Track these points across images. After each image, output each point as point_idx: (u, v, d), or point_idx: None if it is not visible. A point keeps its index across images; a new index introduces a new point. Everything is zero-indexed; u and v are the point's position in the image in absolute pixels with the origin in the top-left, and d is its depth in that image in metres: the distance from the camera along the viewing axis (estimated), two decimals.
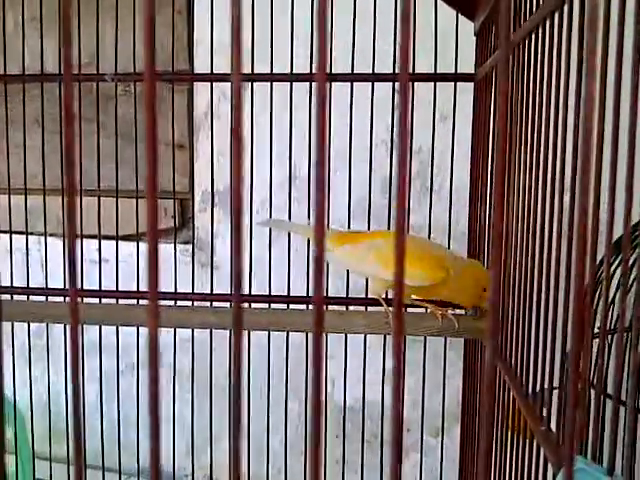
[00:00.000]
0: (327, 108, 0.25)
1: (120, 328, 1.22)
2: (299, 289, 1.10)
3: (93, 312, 0.99)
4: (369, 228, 1.14)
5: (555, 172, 0.59)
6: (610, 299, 0.74)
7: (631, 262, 0.79)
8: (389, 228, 1.11)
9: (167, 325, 0.99)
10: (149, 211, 0.26)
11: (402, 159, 0.25)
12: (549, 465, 0.59)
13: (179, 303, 1.10)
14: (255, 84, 1.11)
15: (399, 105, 0.25)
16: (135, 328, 1.22)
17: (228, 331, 1.15)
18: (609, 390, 0.75)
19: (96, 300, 1.14)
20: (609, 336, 0.76)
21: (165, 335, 1.21)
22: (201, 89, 1.41)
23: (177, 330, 1.22)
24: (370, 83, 1.07)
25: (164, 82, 1.30)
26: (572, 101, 0.52)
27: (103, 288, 1.18)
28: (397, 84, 1.06)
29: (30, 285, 1.20)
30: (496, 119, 0.28)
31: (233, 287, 0.27)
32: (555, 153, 0.58)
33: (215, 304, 1.09)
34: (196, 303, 1.10)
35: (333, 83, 1.03)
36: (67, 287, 0.27)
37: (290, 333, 1.15)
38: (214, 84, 1.17)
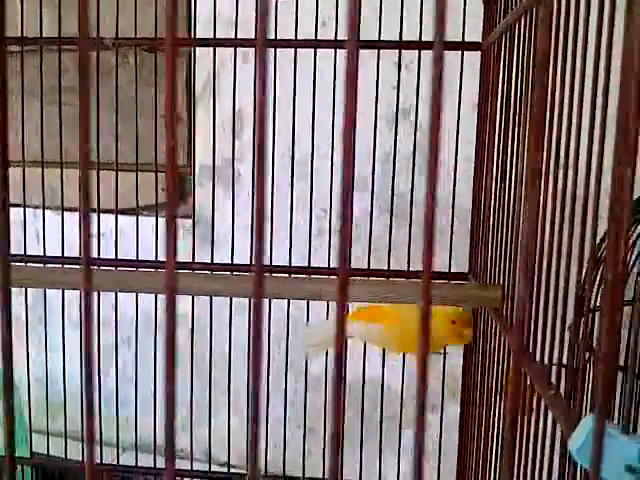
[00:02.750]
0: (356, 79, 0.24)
1: (118, 301, 1.21)
2: (300, 261, 1.10)
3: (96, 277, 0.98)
4: (372, 208, 1.13)
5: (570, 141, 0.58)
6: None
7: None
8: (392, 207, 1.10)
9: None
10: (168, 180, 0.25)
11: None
12: (557, 431, 0.59)
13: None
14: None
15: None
16: (133, 301, 1.21)
17: (228, 304, 1.15)
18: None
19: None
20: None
21: (161, 310, 1.20)
22: (200, 61, 1.39)
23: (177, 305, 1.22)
24: (376, 52, 1.06)
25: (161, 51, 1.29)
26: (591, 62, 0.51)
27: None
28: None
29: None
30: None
31: (254, 239, 0.27)
32: (570, 120, 0.57)
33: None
34: None
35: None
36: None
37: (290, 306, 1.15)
38: (215, 57, 1.16)
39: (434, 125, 0.25)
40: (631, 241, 0.77)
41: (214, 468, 1.30)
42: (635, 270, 0.73)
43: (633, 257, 0.80)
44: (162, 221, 1.25)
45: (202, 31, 1.17)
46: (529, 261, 0.26)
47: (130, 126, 1.20)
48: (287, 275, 1.10)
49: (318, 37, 1.08)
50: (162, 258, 1.16)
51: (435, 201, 0.24)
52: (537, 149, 0.25)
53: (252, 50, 1.13)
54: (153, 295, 1.16)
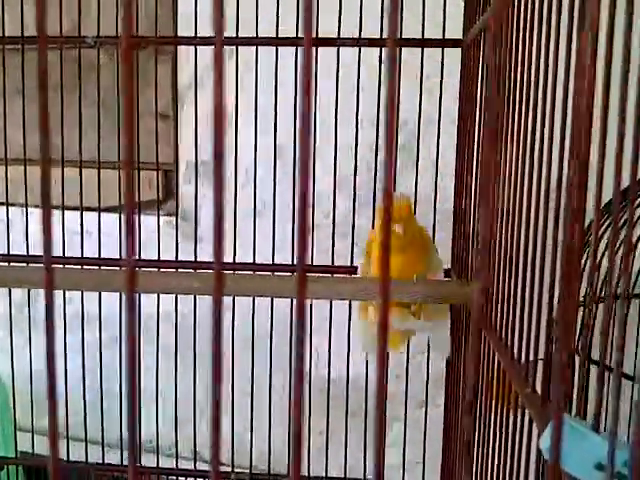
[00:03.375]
0: (312, 74, 0.24)
1: (102, 300, 1.21)
2: (284, 259, 1.10)
3: (71, 276, 0.98)
4: (354, 203, 1.13)
5: (543, 137, 0.58)
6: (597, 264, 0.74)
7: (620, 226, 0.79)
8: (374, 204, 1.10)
9: (149, 290, 0.98)
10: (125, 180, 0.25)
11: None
12: (534, 428, 0.59)
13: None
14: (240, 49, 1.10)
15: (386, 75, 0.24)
16: (117, 300, 1.21)
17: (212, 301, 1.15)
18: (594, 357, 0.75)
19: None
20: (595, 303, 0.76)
21: (149, 308, 1.20)
22: (185, 59, 1.39)
23: (160, 303, 1.22)
24: (357, 50, 1.06)
25: (147, 49, 1.28)
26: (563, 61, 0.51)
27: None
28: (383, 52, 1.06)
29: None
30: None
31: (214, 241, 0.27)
32: (544, 116, 0.58)
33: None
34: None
35: (319, 51, 1.02)
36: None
37: (274, 305, 1.15)
38: (198, 54, 1.16)
39: (390, 124, 0.25)
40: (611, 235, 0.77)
41: (200, 466, 1.30)
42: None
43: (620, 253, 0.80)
44: (146, 219, 1.25)
45: (187, 28, 1.17)
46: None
47: (114, 124, 1.19)
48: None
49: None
50: (144, 256, 1.16)
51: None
52: (491, 151, 0.25)
53: (233, 48, 1.13)
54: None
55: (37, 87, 0.26)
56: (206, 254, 1.17)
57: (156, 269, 1.10)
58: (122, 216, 1.13)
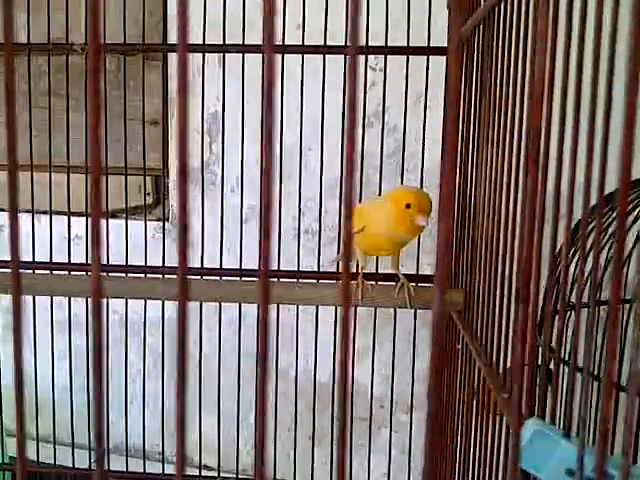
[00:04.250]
0: (277, 81, 0.25)
1: (89, 306, 1.21)
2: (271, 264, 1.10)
3: (55, 283, 0.99)
4: (340, 206, 1.13)
5: (521, 145, 0.59)
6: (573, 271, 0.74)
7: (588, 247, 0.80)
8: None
9: (136, 296, 0.98)
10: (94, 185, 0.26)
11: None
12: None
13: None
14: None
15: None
16: (104, 306, 1.21)
17: (198, 307, 1.15)
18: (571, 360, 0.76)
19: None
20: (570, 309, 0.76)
21: (137, 314, 1.21)
22: (175, 65, 1.40)
23: (147, 309, 1.22)
24: (342, 57, 1.07)
25: (135, 56, 1.29)
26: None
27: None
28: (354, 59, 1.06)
29: None
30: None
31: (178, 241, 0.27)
32: (521, 122, 0.58)
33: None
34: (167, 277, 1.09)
35: (306, 57, 1.03)
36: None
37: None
38: (189, 60, 1.16)
39: (349, 129, 0.25)
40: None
41: (190, 470, 1.30)
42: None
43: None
44: (137, 224, 1.25)
45: (176, 35, 1.17)
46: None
47: (109, 130, 1.19)
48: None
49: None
50: (131, 262, 1.16)
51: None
52: (451, 170, 0.25)
53: (228, 54, 1.13)
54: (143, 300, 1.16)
55: (4, 96, 0.26)
56: (197, 260, 1.17)
57: (142, 275, 1.10)
58: (110, 221, 1.14)
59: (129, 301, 1.20)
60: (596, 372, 0.85)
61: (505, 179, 0.63)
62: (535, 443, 0.46)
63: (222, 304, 1.16)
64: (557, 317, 0.64)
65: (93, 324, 0.28)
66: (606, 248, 0.73)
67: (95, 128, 0.26)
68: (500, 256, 0.64)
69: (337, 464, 0.28)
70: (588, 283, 0.47)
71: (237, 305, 1.15)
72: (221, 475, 1.23)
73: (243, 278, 1.08)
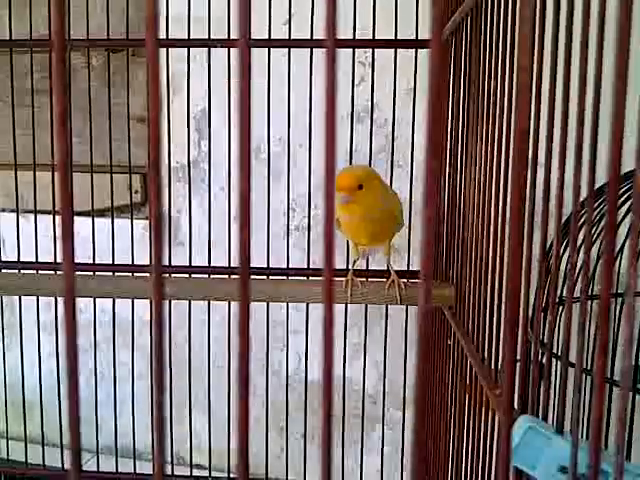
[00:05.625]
0: (248, 75, 0.24)
1: (80, 306, 1.20)
2: (260, 261, 1.10)
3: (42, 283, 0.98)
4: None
5: (510, 140, 0.58)
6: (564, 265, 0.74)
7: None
8: None
9: (123, 295, 0.97)
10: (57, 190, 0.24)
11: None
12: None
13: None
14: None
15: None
16: (92, 305, 1.20)
17: (187, 307, 1.14)
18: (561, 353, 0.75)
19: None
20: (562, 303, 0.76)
21: (125, 313, 1.20)
22: (163, 62, 1.38)
23: (135, 308, 1.20)
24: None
25: (121, 53, 1.27)
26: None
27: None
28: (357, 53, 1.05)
29: None
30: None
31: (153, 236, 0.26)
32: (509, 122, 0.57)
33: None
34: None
35: (292, 51, 1.02)
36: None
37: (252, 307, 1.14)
38: (175, 59, 1.14)
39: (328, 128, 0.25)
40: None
41: (180, 469, 1.29)
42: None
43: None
44: (126, 222, 1.24)
45: (164, 31, 1.16)
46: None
47: (96, 128, 1.18)
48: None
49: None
50: (118, 261, 1.15)
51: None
52: (435, 156, 0.24)
53: (215, 50, 1.12)
54: (130, 299, 1.15)
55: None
56: (186, 258, 1.15)
57: (130, 274, 1.09)
58: (95, 220, 1.12)
59: (117, 300, 1.19)
60: (588, 367, 0.85)
61: (494, 174, 0.62)
62: (528, 440, 0.45)
63: (211, 302, 1.15)
64: (549, 312, 0.64)
65: (65, 325, 0.27)
66: (597, 242, 0.73)
67: (61, 113, 0.25)
68: (491, 251, 0.63)
69: (323, 462, 0.27)
70: (579, 277, 0.46)
71: (225, 304, 1.14)
72: (212, 475, 1.22)
73: (232, 276, 1.07)
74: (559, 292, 0.79)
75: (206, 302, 1.15)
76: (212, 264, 1.11)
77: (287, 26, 1.05)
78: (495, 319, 0.62)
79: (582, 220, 0.80)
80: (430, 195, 0.28)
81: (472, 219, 0.73)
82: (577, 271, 0.46)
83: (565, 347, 0.44)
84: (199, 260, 1.13)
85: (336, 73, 0.24)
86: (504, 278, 0.59)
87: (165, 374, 0.27)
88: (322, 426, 0.26)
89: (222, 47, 1.05)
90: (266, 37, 1.04)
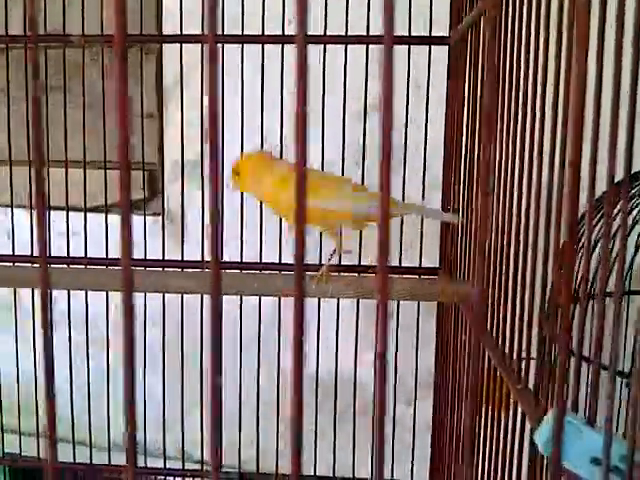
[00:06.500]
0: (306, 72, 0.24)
1: (89, 300, 1.20)
2: (271, 256, 1.10)
3: (62, 277, 0.98)
4: None
5: (534, 135, 0.58)
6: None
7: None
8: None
9: (143, 289, 0.98)
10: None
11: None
12: (526, 422, 0.60)
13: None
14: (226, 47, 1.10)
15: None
16: (104, 301, 1.21)
17: (199, 303, 1.15)
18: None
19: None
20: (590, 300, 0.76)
21: (138, 309, 1.20)
22: (170, 58, 1.38)
23: (147, 304, 1.21)
24: (343, 47, 1.06)
25: (133, 46, 1.28)
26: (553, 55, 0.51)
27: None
28: (372, 48, 1.06)
29: None
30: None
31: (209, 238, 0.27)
32: (534, 111, 0.58)
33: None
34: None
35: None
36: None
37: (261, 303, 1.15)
38: (184, 53, 1.15)
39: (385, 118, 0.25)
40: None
41: (188, 466, 1.29)
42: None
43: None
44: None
45: (172, 27, 1.17)
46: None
47: (100, 123, 1.18)
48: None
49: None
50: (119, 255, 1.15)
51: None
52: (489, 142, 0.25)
53: (221, 46, 1.12)
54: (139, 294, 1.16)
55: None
56: (193, 254, 1.16)
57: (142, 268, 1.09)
58: (109, 216, 1.12)
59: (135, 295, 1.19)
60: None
61: (517, 169, 0.62)
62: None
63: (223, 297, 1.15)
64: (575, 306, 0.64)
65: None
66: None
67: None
68: (512, 246, 0.64)
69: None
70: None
71: (237, 299, 1.14)
72: (224, 471, 1.23)
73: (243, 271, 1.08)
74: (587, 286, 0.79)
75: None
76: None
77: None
78: (518, 315, 0.63)
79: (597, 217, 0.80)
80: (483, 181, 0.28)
81: (495, 218, 0.73)
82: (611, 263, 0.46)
83: (597, 343, 0.45)
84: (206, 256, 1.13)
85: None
86: (527, 273, 0.60)
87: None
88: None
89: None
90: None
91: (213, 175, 0.26)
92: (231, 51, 1.08)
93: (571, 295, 0.36)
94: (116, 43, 0.25)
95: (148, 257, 1.16)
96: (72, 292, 1.20)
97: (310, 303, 1.13)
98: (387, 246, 0.25)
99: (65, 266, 1.12)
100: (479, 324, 0.26)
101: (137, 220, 1.29)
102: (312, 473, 1.24)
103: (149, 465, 1.29)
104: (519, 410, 0.62)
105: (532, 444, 0.59)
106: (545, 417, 0.48)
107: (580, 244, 0.82)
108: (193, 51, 1.15)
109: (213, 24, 0.26)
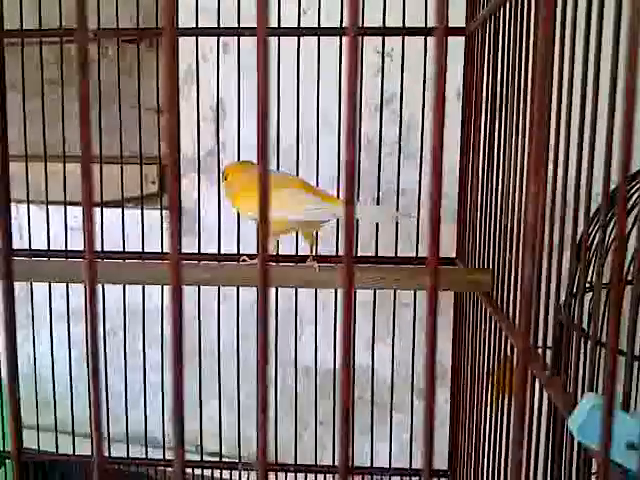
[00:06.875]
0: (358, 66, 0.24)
1: (105, 292, 1.21)
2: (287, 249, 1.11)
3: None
4: (358, 195, 1.14)
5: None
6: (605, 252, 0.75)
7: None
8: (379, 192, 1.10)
9: (157, 282, 0.98)
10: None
11: None
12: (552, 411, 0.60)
13: None
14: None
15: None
16: (121, 292, 1.21)
17: (217, 295, 1.15)
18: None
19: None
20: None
21: (144, 303, 1.20)
22: (182, 53, 1.38)
23: (146, 299, 1.21)
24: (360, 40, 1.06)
25: (143, 42, 1.28)
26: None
27: None
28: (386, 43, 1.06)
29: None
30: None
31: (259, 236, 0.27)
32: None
33: None
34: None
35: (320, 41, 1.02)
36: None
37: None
38: (193, 49, 1.15)
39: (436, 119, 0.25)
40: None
41: (204, 458, 1.30)
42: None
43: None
44: (143, 213, 1.24)
45: (185, 21, 1.16)
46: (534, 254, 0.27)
47: (112, 118, 1.18)
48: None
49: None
50: (146, 249, 1.16)
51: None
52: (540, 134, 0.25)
53: (232, 40, 1.12)
54: (140, 287, 1.16)
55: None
56: (206, 247, 1.16)
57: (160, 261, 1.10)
58: (125, 211, 1.13)
59: (133, 288, 1.19)
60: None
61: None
62: (593, 418, 0.46)
63: (221, 289, 1.15)
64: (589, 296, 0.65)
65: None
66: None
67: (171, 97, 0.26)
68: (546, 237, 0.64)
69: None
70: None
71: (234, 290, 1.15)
72: (242, 462, 1.24)
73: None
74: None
75: (215, 289, 1.16)
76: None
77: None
78: (543, 302, 0.63)
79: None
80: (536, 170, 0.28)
81: (510, 203, 0.74)
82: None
83: (632, 328, 0.45)
84: (210, 248, 1.14)
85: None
86: (544, 260, 0.60)
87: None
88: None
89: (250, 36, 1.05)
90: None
91: (263, 173, 0.26)
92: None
93: (621, 289, 0.37)
94: (165, 39, 0.25)
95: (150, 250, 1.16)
96: (106, 286, 1.20)
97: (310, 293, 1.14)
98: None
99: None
100: (527, 353, 0.26)
101: (148, 215, 1.29)
102: (330, 463, 1.24)
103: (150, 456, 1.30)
104: (545, 397, 0.62)
105: (561, 432, 0.60)
106: (580, 402, 0.49)
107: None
108: (204, 45, 1.15)
109: (262, 20, 0.26)
